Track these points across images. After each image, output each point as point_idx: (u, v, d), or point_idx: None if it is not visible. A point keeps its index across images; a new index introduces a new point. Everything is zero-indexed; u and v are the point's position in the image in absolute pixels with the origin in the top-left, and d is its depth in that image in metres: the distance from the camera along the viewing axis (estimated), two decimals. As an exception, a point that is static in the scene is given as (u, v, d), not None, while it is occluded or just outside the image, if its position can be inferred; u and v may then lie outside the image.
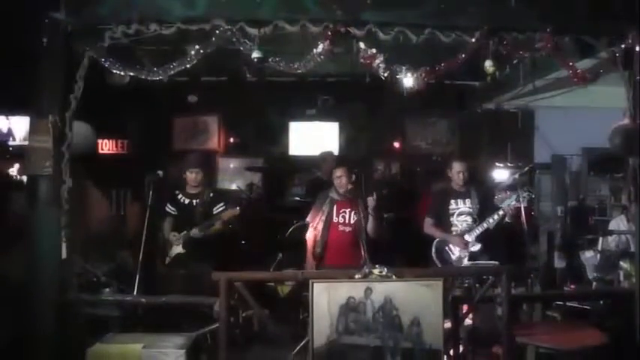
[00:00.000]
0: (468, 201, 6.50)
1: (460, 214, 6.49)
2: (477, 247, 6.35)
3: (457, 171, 6.54)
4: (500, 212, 6.31)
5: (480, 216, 6.45)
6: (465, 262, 6.33)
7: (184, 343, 4.85)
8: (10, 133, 8.16)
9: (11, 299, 4.86)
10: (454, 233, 6.48)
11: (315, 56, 4.94)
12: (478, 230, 6.37)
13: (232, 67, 7.07)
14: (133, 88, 5.61)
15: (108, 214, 7.95)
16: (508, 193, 7.41)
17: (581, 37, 5.20)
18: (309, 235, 6.33)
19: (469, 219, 6.47)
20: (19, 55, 5.04)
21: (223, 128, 9.42)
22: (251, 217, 7.86)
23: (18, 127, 8.20)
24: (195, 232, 6.59)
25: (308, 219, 6.42)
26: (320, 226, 6.23)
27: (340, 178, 6.23)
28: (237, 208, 6.77)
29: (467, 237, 6.38)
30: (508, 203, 6.34)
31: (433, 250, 6.55)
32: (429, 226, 6.64)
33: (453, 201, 6.53)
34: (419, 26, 4.99)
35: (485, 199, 6.65)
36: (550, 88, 6.87)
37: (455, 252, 6.41)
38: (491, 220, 6.34)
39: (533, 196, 6.72)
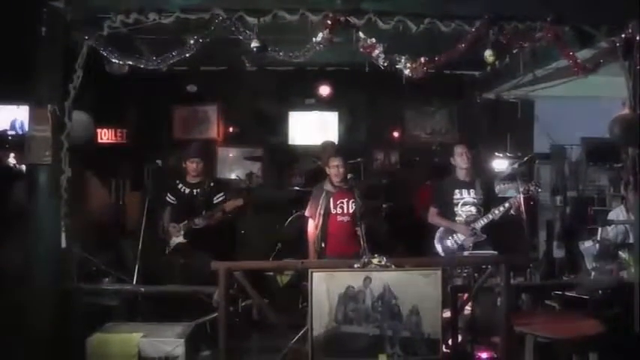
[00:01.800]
0: (472, 191, 6.49)
1: (464, 204, 6.47)
2: (482, 238, 6.35)
3: (460, 152, 6.51)
4: (507, 204, 6.30)
5: (483, 206, 6.45)
6: (466, 251, 6.33)
7: (184, 332, 4.88)
8: (14, 123, 8.14)
9: (11, 288, 4.87)
10: (458, 223, 6.48)
11: (314, 45, 4.94)
12: (484, 221, 6.36)
13: (232, 56, 7.05)
14: (132, 78, 5.61)
15: (107, 203, 7.95)
16: (510, 183, 7.42)
17: (581, 27, 5.19)
18: (310, 230, 6.33)
19: (473, 209, 6.46)
20: (19, 45, 5.03)
21: (222, 118, 9.40)
22: (250, 207, 7.86)
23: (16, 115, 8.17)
24: (198, 221, 6.59)
25: (306, 213, 6.42)
26: (319, 220, 6.23)
27: (337, 168, 6.23)
28: (241, 199, 6.79)
29: (473, 227, 6.39)
30: (515, 195, 6.33)
31: (436, 239, 6.55)
32: (433, 215, 6.62)
33: (457, 191, 6.51)
34: (419, 16, 4.98)
35: (489, 190, 6.65)
36: (550, 78, 6.85)
37: (459, 241, 6.40)
38: (497, 212, 6.33)
39: (540, 190, 6.71)
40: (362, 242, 5.76)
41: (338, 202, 6.24)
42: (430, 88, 7.29)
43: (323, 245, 6.19)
